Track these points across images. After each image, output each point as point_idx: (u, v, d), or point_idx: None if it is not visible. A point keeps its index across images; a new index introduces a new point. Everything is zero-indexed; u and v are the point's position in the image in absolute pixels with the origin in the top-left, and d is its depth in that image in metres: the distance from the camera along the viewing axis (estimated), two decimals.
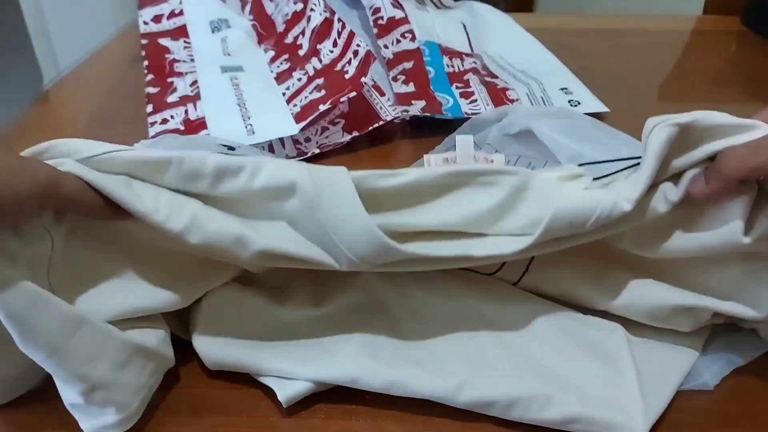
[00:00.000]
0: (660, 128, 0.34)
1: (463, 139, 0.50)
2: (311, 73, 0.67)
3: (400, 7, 0.73)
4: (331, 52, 0.67)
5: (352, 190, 0.35)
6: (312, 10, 0.72)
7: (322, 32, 0.69)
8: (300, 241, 0.36)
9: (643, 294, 0.40)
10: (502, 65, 0.74)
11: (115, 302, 0.35)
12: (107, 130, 0.64)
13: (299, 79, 0.67)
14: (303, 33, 0.72)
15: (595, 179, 0.38)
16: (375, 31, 0.71)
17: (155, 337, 0.36)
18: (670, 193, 0.36)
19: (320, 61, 0.67)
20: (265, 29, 0.78)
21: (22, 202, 0.30)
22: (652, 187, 0.36)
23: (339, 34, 0.67)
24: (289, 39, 0.74)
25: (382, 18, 0.71)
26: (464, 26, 0.79)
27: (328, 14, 0.70)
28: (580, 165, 0.40)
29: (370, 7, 0.73)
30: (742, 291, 0.38)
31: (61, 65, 1.57)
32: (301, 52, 0.71)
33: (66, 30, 1.52)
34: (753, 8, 0.90)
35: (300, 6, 0.75)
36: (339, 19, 0.68)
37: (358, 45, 0.64)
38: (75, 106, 0.70)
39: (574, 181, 0.38)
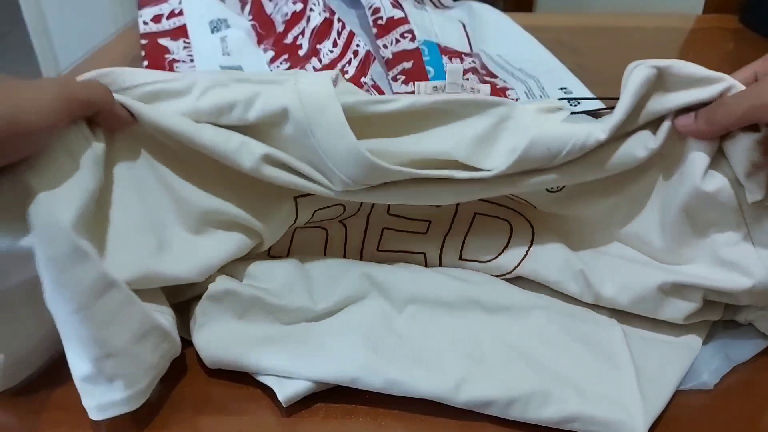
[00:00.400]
0: (640, 69, 0.38)
1: (452, 68, 0.51)
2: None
3: (400, 6, 0.73)
4: (331, 51, 0.67)
5: (341, 116, 0.36)
6: (311, 10, 0.72)
7: (321, 32, 0.70)
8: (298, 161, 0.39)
9: (630, 277, 0.40)
10: (500, 64, 0.74)
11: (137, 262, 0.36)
12: None
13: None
14: (303, 33, 0.73)
15: (573, 113, 0.39)
16: (374, 31, 0.71)
17: (166, 320, 0.37)
18: (649, 141, 0.37)
19: (320, 61, 0.67)
20: (264, 29, 0.79)
21: (49, 119, 0.30)
22: (630, 133, 0.38)
23: (339, 34, 0.67)
24: (288, 39, 0.74)
25: (381, 18, 0.71)
26: (463, 25, 0.79)
27: (327, 14, 0.70)
28: (560, 99, 0.42)
29: (370, 7, 0.73)
30: (724, 264, 0.38)
31: (61, 64, 1.57)
32: (301, 53, 0.71)
33: (66, 29, 1.52)
34: (751, 6, 0.90)
35: (299, 6, 0.75)
36: (339, 19, 0.68)
37: (357, 45, 0.64)
38: None
39: (553, 114, 0.39)
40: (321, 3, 0.71)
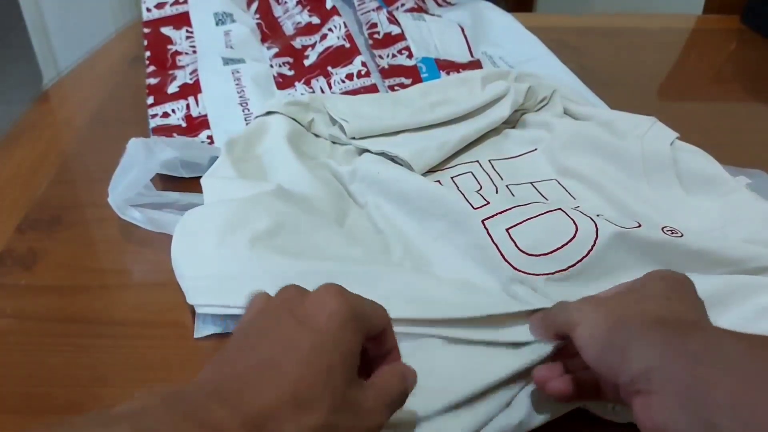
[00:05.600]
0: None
1: None
2: (318, 93, 0.67)
3: (396, 22, 0.73)
4: (343, 82, 0.66)
5: None
6: (330, 30, 0.72)
7: (337, 56, 0.69)
8: None
9: None
10: (501, 66, 0.74)
11: None
12: (107, 129, 0.64)
13: (302, 94, 0.66)
14: (313, 46, 0.72)
15: None
16: (370, 42, 0.71)
17: None
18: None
19: (330, 86, 0.66)
20: (270, 29, 0.78)
21: None
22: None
23: (360, 74, 0.67)
24: (296, 44, 0.73)
25: (378, 33, 0.71)
26: (462, 30, 0.79)
27: (347, 43, 0.70)
28: None
29: (366, 22, 0.73)
30: None
31: (60, 65, 1.57)
32: (307, 62, 0.70)
33: (65, 29, 1.52)
34: (752, 7, 0.90)
35: (316, 20, 0.75)
36: (363, 63, 0.68)
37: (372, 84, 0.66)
38: (75, 106, 0.70)
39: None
40: (342, 29, 0.71)
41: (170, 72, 0.70)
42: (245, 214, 0.43)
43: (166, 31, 0.76)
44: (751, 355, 0.26)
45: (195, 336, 0.40)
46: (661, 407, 0.26)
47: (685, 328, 0.28)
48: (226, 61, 0.69)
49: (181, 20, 0.77)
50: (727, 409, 0.24)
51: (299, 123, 0.57)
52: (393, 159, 0.53)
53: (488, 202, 0.45)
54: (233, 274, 0.40)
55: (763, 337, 0.27)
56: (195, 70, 0.69)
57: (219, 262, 0.41)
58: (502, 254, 0.42)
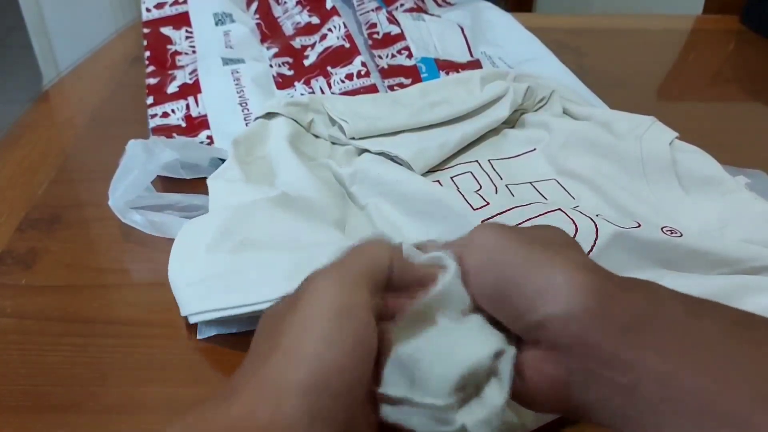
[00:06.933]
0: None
1: None
2: (318, 94, 0.67)
3: (396, 22, 0.73)
4: (342, 82, 0.66)
5: None
6: (330, 30, 0.72)
7: (336, 56, 0.69)
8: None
9: None
10: (500, 66, 0.74)
11: None
12: (107, 129, 0.64)
13: (302, 95, 0.66)
14: (313, 46, 0.72)
15: None
16: (369, 42, 0.71)
17: None
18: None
19: (329, 86, 0.66)
20: (269, 29, 0.78)
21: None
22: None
23: (360, 74, 0.67)
24: (296, 43, 0.73)
25: (377, 33, 0.71)
26: (462, 30, 0.79)
27: (347, 43, 0.70)
28: None
29: (366, 23, 0.73)
30: None
31: (60, 65, 1.57)
32: (306, 62, 0.70)
33: (65, 30, 1.52)
34: (752, 7, 0.90)
35: (316, 20, 0.75)
36: (363, 63, 0.68)
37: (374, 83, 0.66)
38: (75, 106, 0.70)
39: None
40: (342, 29, 0.71)
41: (170, 72, 0.70)
42: (240, 222, 0.43)
43: (166, 31, 0.76)
44: (691, 324, 0.22)
45: (198, 338, 0.40)
46: (561, 364, 0.23)
47: (621, 282, 0.24)
48: (226, 61, 0.69)
49: (181, 20, 0.77)
50: (653, 383, 0.21)
51: (299, 123, 0.57)
52: (393, 159, 0.53)
53: (488, 203, 0.45)
54: (219, 273, 0.40)
55: (703, 301, 0.24)
56: (195, 70, 0.69)
57: (206, 266, 0.40)
58: None
